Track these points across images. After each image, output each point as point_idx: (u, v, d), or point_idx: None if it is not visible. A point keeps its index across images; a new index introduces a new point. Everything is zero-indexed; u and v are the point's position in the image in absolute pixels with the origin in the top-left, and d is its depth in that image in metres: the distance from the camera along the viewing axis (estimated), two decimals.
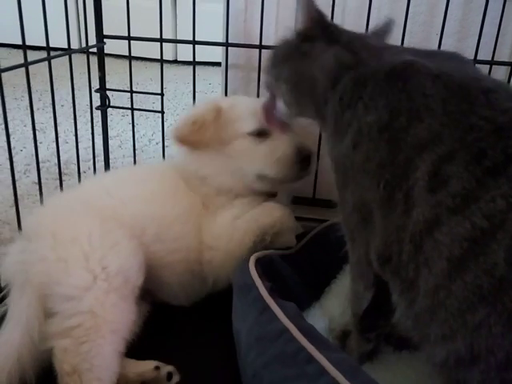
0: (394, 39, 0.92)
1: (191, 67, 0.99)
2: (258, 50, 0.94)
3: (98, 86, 1.04)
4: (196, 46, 0.97)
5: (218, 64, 1.04)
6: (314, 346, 0.52)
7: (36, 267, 0.65)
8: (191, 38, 0.97)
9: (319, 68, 0.64)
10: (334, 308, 0.76)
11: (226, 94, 1.01)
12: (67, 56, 0.88)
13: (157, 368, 0.64)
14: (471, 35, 0.92)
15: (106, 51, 1.04)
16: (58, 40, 0.93)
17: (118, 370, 0.61)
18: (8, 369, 0.59)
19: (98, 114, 1.05)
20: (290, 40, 0.69)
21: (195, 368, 0.68)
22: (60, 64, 0.86)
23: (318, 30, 0.65)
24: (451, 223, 0.46)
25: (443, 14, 0.88)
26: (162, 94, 0.99)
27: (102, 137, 1.09)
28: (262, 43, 0.94)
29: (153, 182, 0.82)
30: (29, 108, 0.81)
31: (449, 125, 0.49)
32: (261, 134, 0.81)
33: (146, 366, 0.65)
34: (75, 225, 0.68)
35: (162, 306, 0.78)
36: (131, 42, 1.00)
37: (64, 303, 0.62)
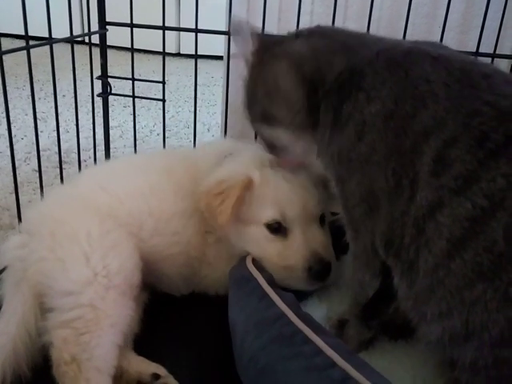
0: (397, 30, 0.92)
1: (193, 60, 0.99)
2: None
3: (99, 75, 1.04)
4: (198, 40, 0.97)
5: (220, 58, 1.04)
6: (311, 329, 0.52)
7: (34, 267, 0.65)
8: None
9: (289, 62, 0.62)
10: (332, 297, 0.76)
11: (227, 84, 1.01)
12: (68, 47, 0.87)
13: (155, 375, 0.62)
14: (473, 28, 0.92)
15: (107, 43, 1.03)
16: (60, 30, 0.93)
17: (115, 362, 0.61)
18: (2, 359, 0.59)
19: (99, 104, 1.05)
20: (249, 70, 0.68)
21: (189, 358, 0.68)
22: (61, 55, 0.86)
23: (269, 45, 0.65)
24: (453, 204, 0.47)
25: (446, 7, 0.88)
26: (163, 82, 0.99)
27: (102, 126, 1.10)
28: (265, 32, 0.93)
29: (154, 176, 0.78)
30: (30, 97, 0.81)
31: (452, 110, 0.50)
32: (278, 230, 0.71)
33: (147, 369, 0.63)
34: (74, 225, 0.68)
35: (157, 294, 0.78)
36: (134, 33, 1.00)
37: (63, 298, 0.62)
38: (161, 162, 0.81)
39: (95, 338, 0.60)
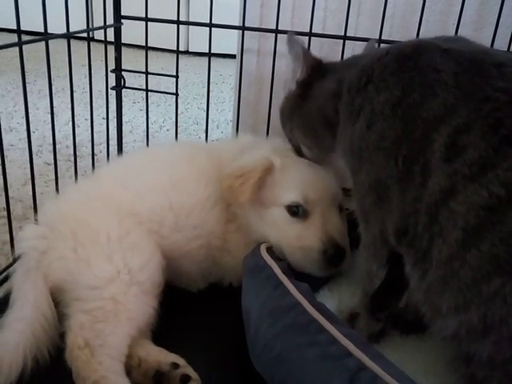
0: (410, 27, 0.93)
1: (202, 58, 1.01)
2: (273, 34, 0.95)
3: (113, 68, 1.04)
4: (207, 38, 0.97)
5: (229, 56, 1.05)
6: (325, 318, 0.53)
7: (55, 264, 0.66)
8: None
9: (323, 93, 0.68)
10: (343, 290, 0.76)
11: (240, 80, 1.02)
12: (76, 43, 0.88)
13: (174, 365, 0.61)
14: (488, 25, 0.92)
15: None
16: (74, 27, 0.94)
17: (127, 351, 0.61)
18: (23, 344, 0.59)
19: (110, 99, 1.05)
20: (292, 93, 0.75)
21: (205, 348, 0.68)
22: (73, 51, 0.87)
23: (317, 73, 0.71)
24: (467, 192, 0.47)
25: (460, 3, 0.88)
26: (176, 76, 0.99)
27: (114, 119, 1.10)
28: (279, 28, 0.94)
29: (175, 167, 0.79)
30: (40, 92, 0.82)
31: (463, 97, 0.50)
32: (298, 213, 0.74)
33: (166, 358, 0.63)
34: (94, 227, 0.69)
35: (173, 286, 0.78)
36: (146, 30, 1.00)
37: (87, 291, 0.63)
38: (183, 152, 0.83)
39: (110, 327, 0.61)
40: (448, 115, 0.50)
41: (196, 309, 0.75)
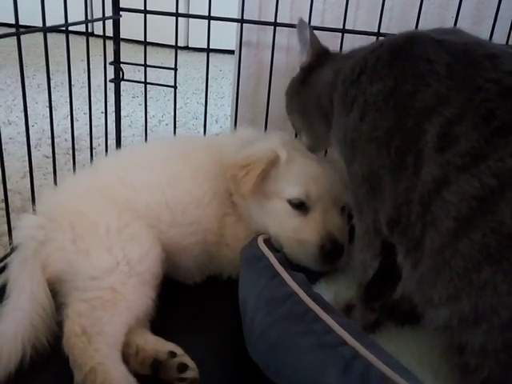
0: (409, 20, 0.92)
1: (202, 54, 1.00)
2: (272, 27, 0.95)
3: (112, 61, 1.04)
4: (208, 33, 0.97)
5: (229, 52, 1.05)
6: (321, 308, 0.53)
7: (54, 255, 0.66)
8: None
9: (321, 81, 0.68)
10: (339, 282, 0.77)
11: (238, 73, 1.02)
12: (75, 38, 0.88)
13: (172, 353, 0.61)
14: (487, 18, 0.92)
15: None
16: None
17: (123, 339, 0.62)
18: (22, 334, 0.59)
19: (109, 93, 1.05)
20: (295, 78, 0.76)
21: (202, 338, 0.69)
22: (72, 47, 0.87)
23: (321, 61, 0.72)
24: (460, 182, 0.47)
25: None
26: (175, 69, 0.99)
27: (113, 114, 1.10)
28: (277, 21, 0.94)
29: (172, 164, 0.79)
30: (39, 86, 0.82)
31: (455, 88, 0.50)
32: (299, 207, 0.74)
33: (163, 347, 0.63)
34: (93, 219, 0.69)
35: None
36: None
37: (86, 282, 0.64)
38: (181, 148, 0.83)
39: (108, 315, 0.61)
40: (440, 105, 0.50)
41: (194, 299, 0.76)
